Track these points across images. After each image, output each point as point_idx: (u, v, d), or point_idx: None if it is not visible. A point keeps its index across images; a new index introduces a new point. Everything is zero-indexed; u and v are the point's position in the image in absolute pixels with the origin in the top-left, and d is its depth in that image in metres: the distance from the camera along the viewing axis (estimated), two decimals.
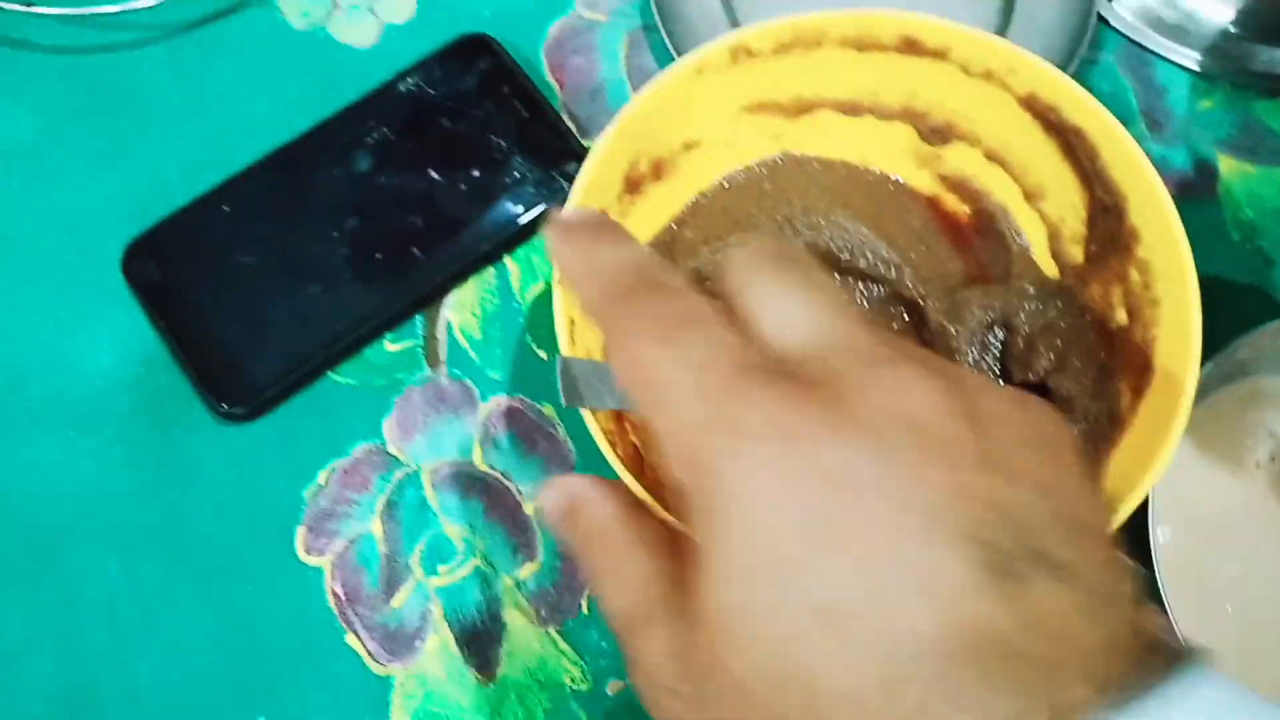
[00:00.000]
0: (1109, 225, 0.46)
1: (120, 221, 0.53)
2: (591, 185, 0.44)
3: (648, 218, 0.48)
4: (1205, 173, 0.55)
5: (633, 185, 0.47)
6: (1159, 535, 0.46)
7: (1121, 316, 0.46)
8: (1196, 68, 0.56)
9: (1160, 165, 0.53)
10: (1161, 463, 0.39)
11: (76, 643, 0.47)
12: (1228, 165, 0.55)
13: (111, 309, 0.52)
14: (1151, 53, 0.57)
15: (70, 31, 0.57)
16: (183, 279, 0.52)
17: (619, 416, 0.44)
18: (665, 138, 0.47)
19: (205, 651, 0.47)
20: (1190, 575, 0.46)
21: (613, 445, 0.40)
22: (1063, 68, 0.47)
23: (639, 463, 0.43)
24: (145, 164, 0.54)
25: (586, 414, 0.39)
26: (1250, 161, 0.55)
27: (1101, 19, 0.57)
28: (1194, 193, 0.54)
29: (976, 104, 0.48)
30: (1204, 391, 0.47)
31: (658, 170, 0.47)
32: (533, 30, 0.57)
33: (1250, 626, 0.46)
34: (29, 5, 0.55)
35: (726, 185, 0.50)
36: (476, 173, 0.54)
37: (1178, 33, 0.57)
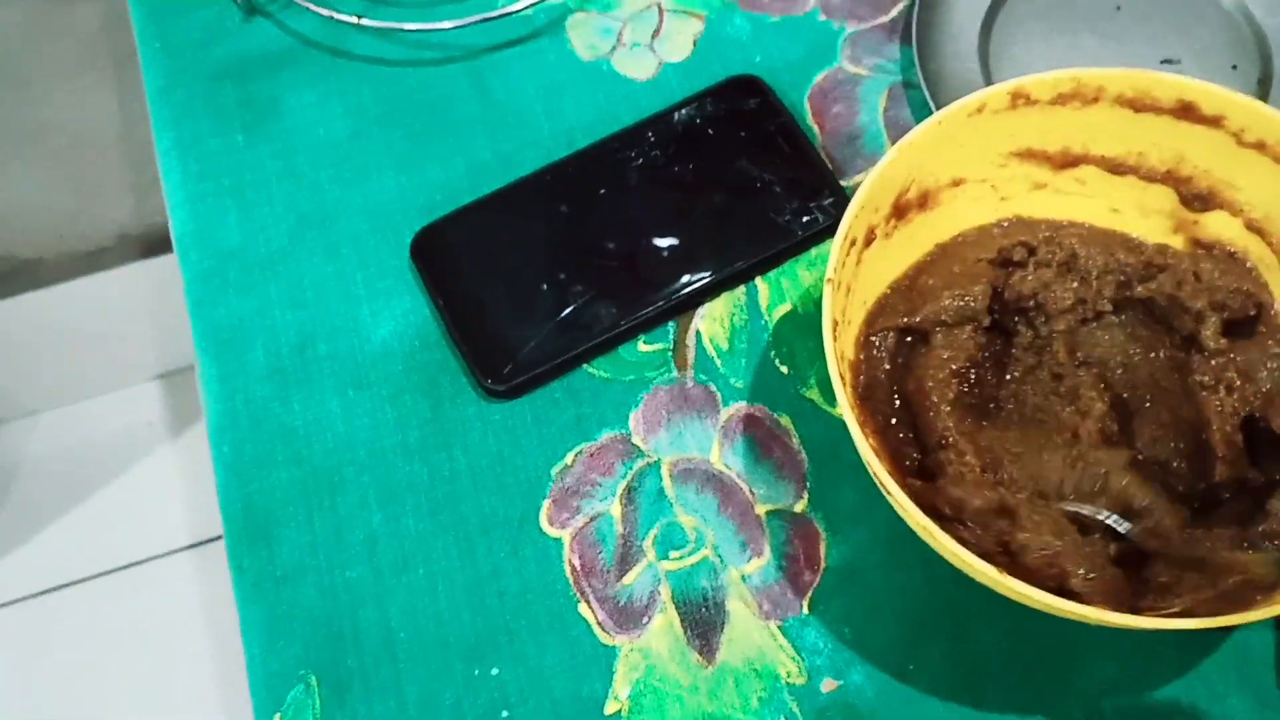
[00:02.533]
0: None
1: (413, 213, 0.59)
2: (868, 201, 0.47)
3: (904, 248, 0.51)
4: None
5: (900, 210, 0.50)
6: None
7: None
8: None
9: None
10: None
11: (339, 577, 0.52)
12: None
13: (397, 288, 0.57)
14: None
15: (385, 46, 0.64)
16: (462, 267, 0.57)
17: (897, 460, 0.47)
18: (936, 170, 0.50)
19: (452, 600, 0.51)
20: None
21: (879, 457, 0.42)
22: None
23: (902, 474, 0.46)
24: (439, 166, 0.60)
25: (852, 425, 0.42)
26: None
27: None
28: None
29: (1244, 173, 0.49)
30: None
31: (924, 200, 0.51)
32: (799, 78, 0.62)
33: None
34: (360, 17, 0.62)
35: (963, 240, 0.52)
36: (737, 198, 0.58)
37: None
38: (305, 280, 0.58)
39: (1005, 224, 0.52)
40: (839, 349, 0.46)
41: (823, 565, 0.51)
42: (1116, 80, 0.48)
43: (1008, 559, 0.44)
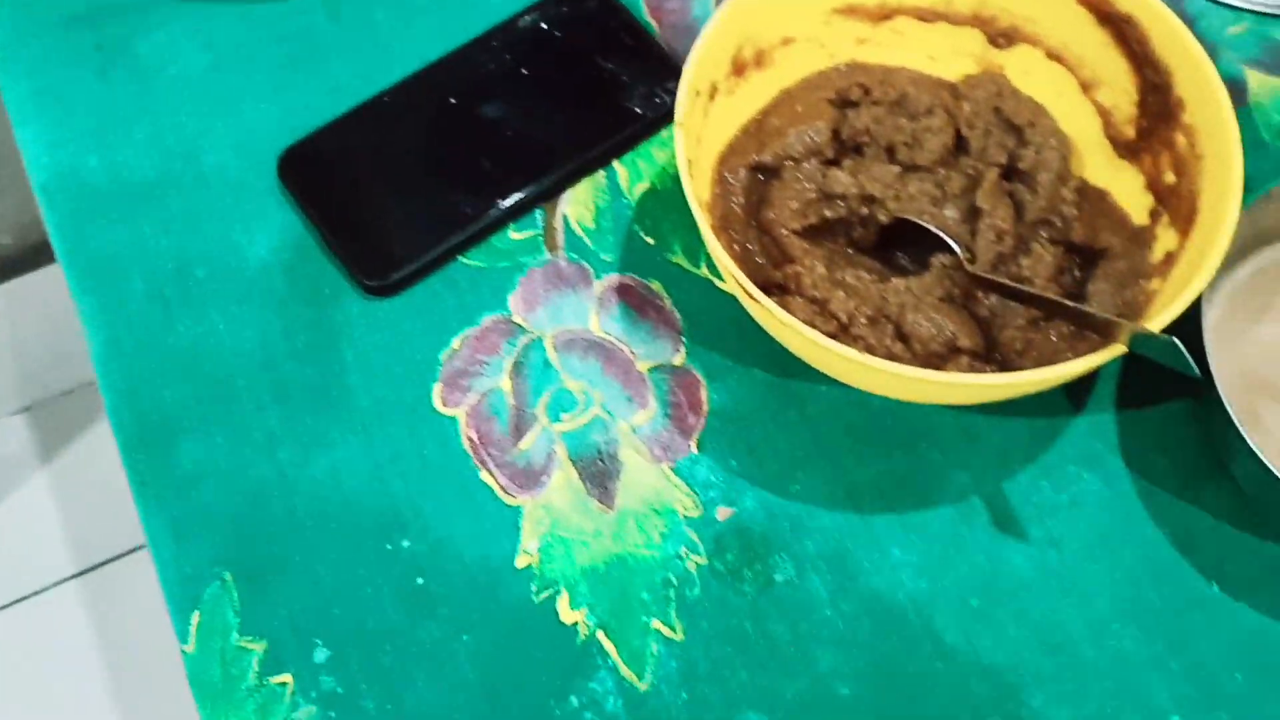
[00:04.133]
0: (1158, 101, 0.52)
1: (278, 138, 0.60)
2: (704, 58, 0.51)
3: (747, 101, 0.55)
4: (1237, 87, 0.61)
5: (739, 68, 0.54)
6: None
7: (1170, 178, 0.52)
8: (1228, 2, 0.63)
9: None
10: (1212, 263, 0.45)
11: (242, 478, 0.53)
12: (1256, 79, 0.61)
13: (269, 208, 0.59)
14: None
15: None
16: (331, 180, 0.59)
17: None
18: (767, 30, 0.54)
19: (356, 485, 0.53)
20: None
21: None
22: None
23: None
24: (299, 92, 0.62)
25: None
26: (1276, 75, 0.61)
27: None
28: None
29: (1038, 5, 0.54)
30: (1246, 250, 0.53)
31: (759, 59, 0.54)
32: None
33: None
34: None
35: (805, 84, 0.56)
36: (587, 91, 0.61)
37: None
38: (176, 210, 0.59)
39: (843, 68, 0.57)
40: (695, 189, 0.50)
41: (706, 409, 0.54)
42: None
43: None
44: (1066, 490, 0.52)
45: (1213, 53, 0.61)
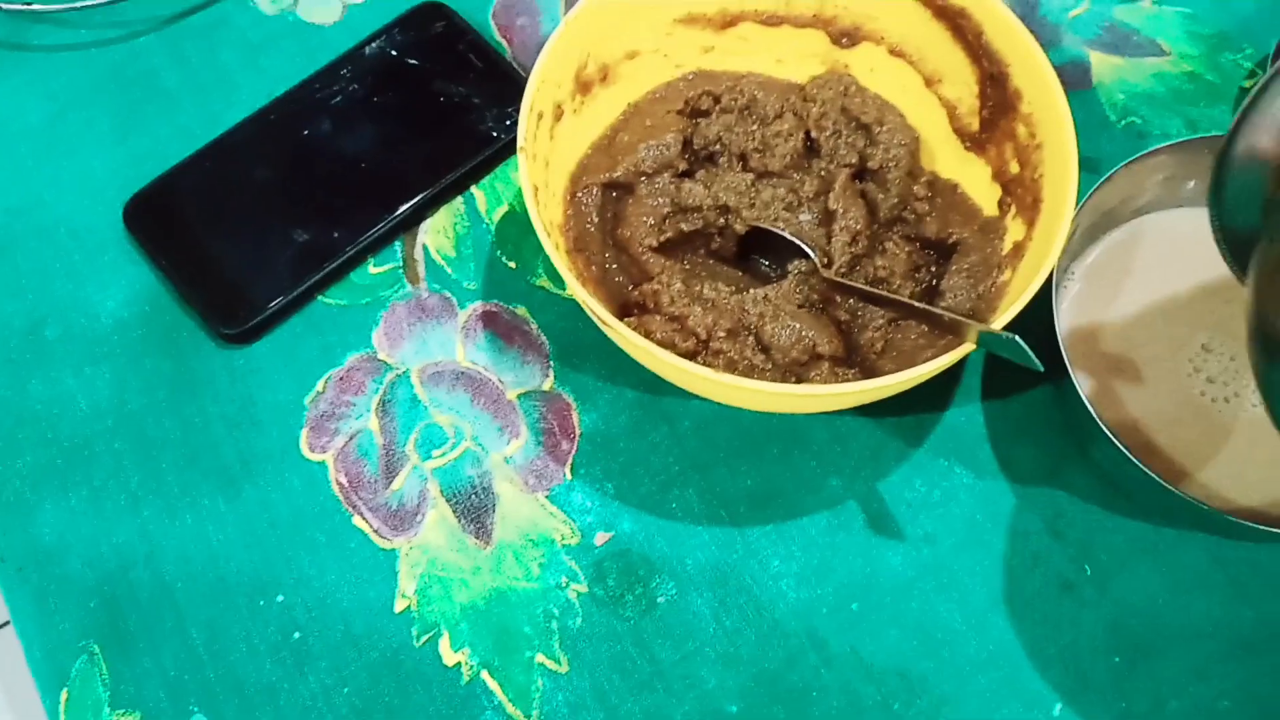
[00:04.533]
0: (997, 92, 0.53)
1: (124, 185, 0.58)
2: (546, 77, 0.50)
3: (595, 118, 0.55)
4: (1080, 69, 0.62)
5: (584, 86, 0.53)
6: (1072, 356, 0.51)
7: (1014, 168, 0.52)
8: None
9: None
10: (1054, 250, 0.46)
11: (105, 544, 0.51)
12: (1098, 60, 0.62)
13: (119, 259, 0.57)
14: None
15: (71, 31, 0.63)
16: (181, 226, 0.57)
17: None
18: (610, 45, 0.54)
19: (226, 542, 0.51)
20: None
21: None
22: None
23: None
24: (145, 137, 0.60)
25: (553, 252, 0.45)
26: (1118, 55, 0.62)
27: None
28: (1074, 86, 0.61)
29: (878, 3, 0.54)
30: (1096, 234, 0.54)
31: (604, 75, 0.54)
32: (480, 0, 0.64)
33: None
34: (28, 4, 0.61)
35: (653, 97, 0.56)
36: (439, 117, 0.60)
37: None
38: (22, 267, 0.57)
39: (690, 77, 0.56)
40: (546, 214, 0.49)
41: (578, 433, 0.54)
42: None
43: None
44: (938, 485, 0.52)
45: (1055, 36, 0.62)
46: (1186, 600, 0.50)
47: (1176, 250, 0.54)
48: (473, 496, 0.52)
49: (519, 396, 0.54)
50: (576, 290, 0.45)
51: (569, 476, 0.53)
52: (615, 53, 0.54)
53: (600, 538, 0.52)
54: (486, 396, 0.54)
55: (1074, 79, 0.62)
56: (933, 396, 0.54)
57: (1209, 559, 0.51)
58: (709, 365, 0.49)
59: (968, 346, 0.45)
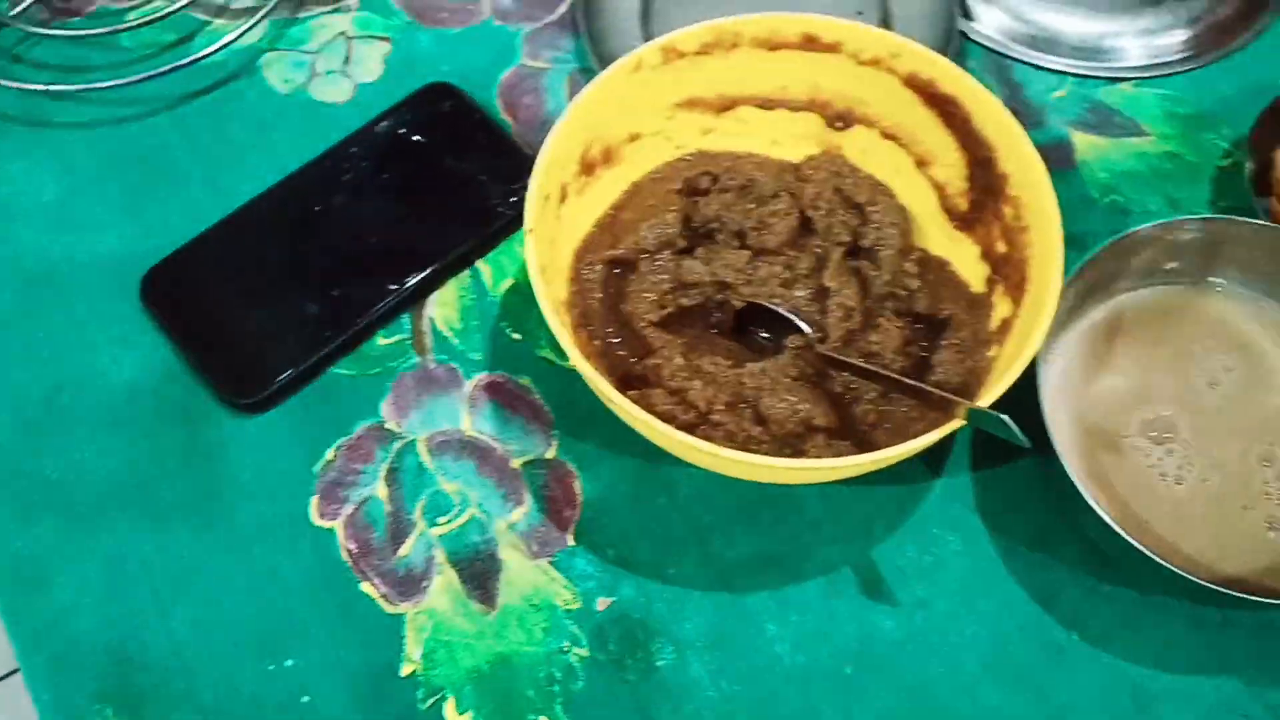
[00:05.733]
0: (984, 175, 0.55)
1: (139, 259, 0.60)
2: (552, 161, 0.52)
3: (599, 198, 0.57)
4: (1064, 148, 0.64)
5: (587, 167, 0.55)
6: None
7: (1002, 247, 0.54)
8: (1048, 66, 0.67)
9: None
10: (1041, 329, 0.48)
11: (118, 606, 0.53)
12: (1081, 140, 0.65)
13: (134, 330, 0.59)
14: (1010, 58, 0.67)
15: (86, 109, 0.65)
16: (195, 299, 0.59)
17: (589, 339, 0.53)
18: (614, 128, 0.56)
19: (236, 607, 0.53)
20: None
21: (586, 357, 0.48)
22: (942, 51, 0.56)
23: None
24: (159, 212, 0.62)
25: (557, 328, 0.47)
26: (1100, 135, 0.65)
27: (965, 35, 0.67)
28: (1058, 165, 0.64)
29: (870, 89, 0.57)
30: (1080, 310, 0.56)
31: (608, 156, 0.56)
32: (487, 79, 0.67)
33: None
34: (49, 84, 0.64)
35: (654, 176, 0.58)
36: (446, 193, 0.62)
37: (1032, 41, 0.68)
38: (40, 337, 0.59)
39: (690, 158, 0.59)
40: (552, 292, 0.51)
41: (580, 501, 0.55)
42: (749, 25, 0.55)
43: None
44: (930, 552, 0.54)
45: (1039, 117, 0.65)
46: (1174, 666, 0.51)
47: (1157, 326, 0.56)
48: (478, 562, 0.54)
49: (523, 465, 0.56)
50: (582, 367, 0.47)
51: (571, 543, 0.54)
52: (618, 135, 0.57)
53: (601, 603, 0.53)
54: (491, 465, 0.56)
55: (1058, 158, 0.64)
56: (925, 466, 0.56)
57: (1195, 625, 0.52)
58: (709, 437, 0.51)
59: (957, 422, 0.47)
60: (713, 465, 0.49)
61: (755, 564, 0.54)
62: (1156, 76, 0.67)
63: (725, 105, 0.59)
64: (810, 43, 0.56)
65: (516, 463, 0.56)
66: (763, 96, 0.59)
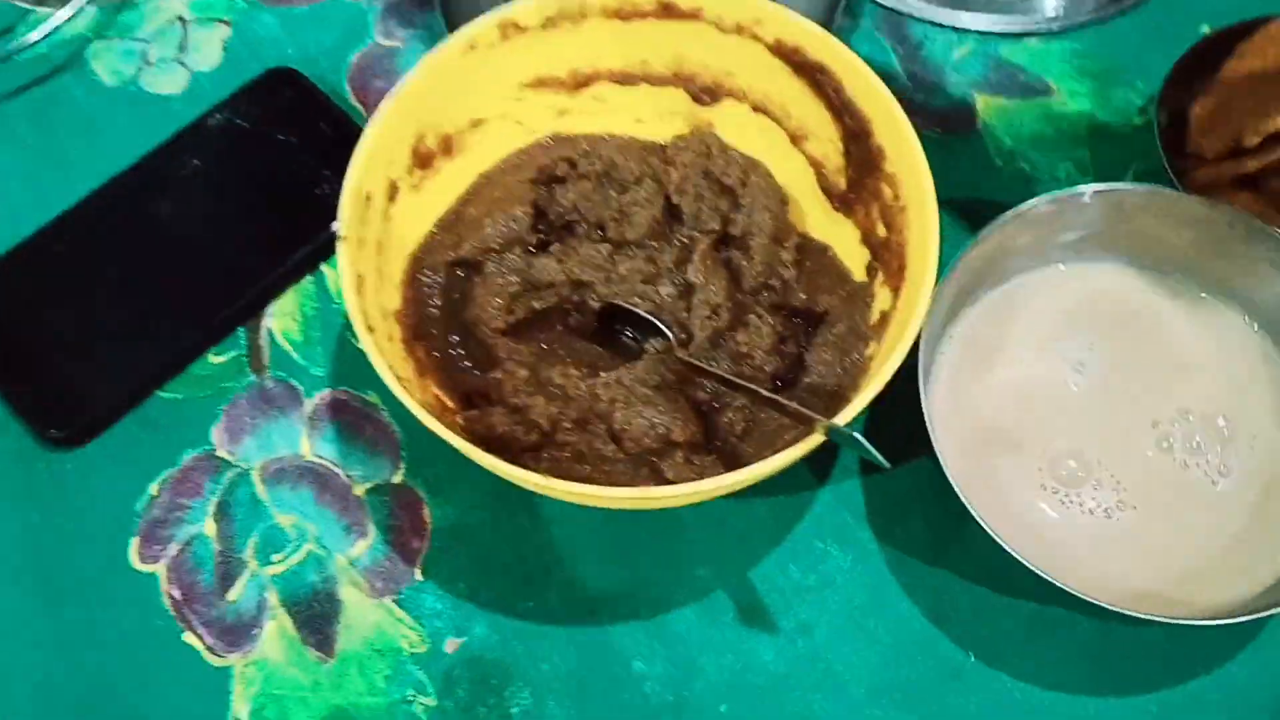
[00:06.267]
0: (860, 150, 0.50)
1: None
2: (372, 156, 0.47)
3: (439, 193, 0.51)
4: (965, 111, 0.59)
5: (422, 160, 0.50)
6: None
7: (881, 230, 0.49)
8: (947, 23, 0.61)
9: (923, 109, 0.58)
10: (915, 323, 0.43)
11: None
12: (984, 102, 0.59)
13: None
14: (905, 15, 0.61)
15: None
16: (4, 320, 0.53)
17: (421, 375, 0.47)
18: (451, 115, 0.50)
19: (47, 665, 0.47)
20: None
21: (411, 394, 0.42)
22: (824, 24, 0.50)
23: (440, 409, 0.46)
24: None
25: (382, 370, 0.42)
26: (1004, 96, 0.59)
27: None
28: (958, 130, 0.58)
29: (736, 59, 0.51)
30: (972, 295, 0.51)
31: (447, 146, 0.51)
32: (336, 62, 0.61)
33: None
34: None
35: (505, 166, 0.53)
36: (288, 189, 0.56)
37: None
38: None
39: (546, 143, 0.53)
40: (377, 302, 0.46)
41: (429, 529, 0.50)
42: None
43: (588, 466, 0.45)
44: (815, 570, 0.49)
45: (939, 78, 0.59)
46: (1075, 683, 0.47)
47: (1051, 310, 0.51)
48: (315, 604, 0.49)
49: (367, 492, 0.51)
50: (395, 390, 0.42)
51: (419, 577, 0.49)
52: (457, 122, 0.51)
53: (451, 644, 0.48)
54: (333, 493, 0.51)
55: (958, 122, 0.59)
56: (808, 473, 0.51)
57: (1096, 640, 0.47)
58: (555, 460, 0.46)
59: (817, 438, 0.42)
60: (551, 494, 0.43)
61: (622, 592, 0.49)
62: (1066, 29, 0.61)
63: (580, 83, 0.53)
64: (667, 11, 0.51)
65: (360, 489, 0.51)
66: (621, 71, 0.53)
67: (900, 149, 0.47)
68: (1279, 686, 0.47)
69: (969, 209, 0.55)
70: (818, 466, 0.51)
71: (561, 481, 0.41)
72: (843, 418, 0.41)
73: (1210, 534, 0.47)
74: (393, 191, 0.49)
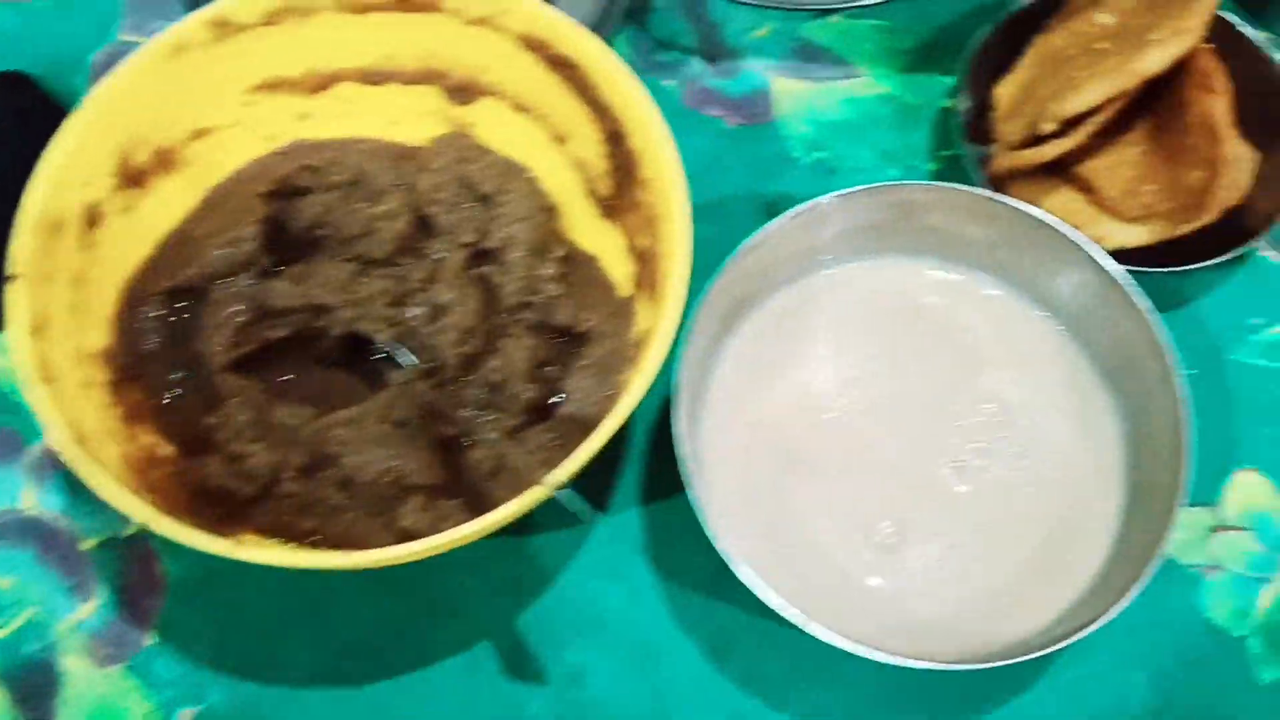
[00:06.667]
0: (621, 153, 0.45)
1: None
2: (61, 178, 0.41)
3: (158, 213, 0.46)
4: (760, 100, 0.55)
5: (133, 178, 0.45)
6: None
7: (644, 240, 0.45)
8: (749, 1, 0.57)
9: (719, 97, 0.54)
10: (664, 346, 0.39)
11: None
12: (783, 87, 0.55)
13: None
14: None
15: None
16: None
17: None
18: (164, 126, 0.45)
19: None
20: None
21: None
22: (604, 17, 0.46)
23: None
24: None
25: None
26: (805, 80, 0.55)
27: None
28: (753, 120, 0.54)
29: (487, 54, 0.47)
30: (746, 306, 0.47)
31: (165, 161, 0.45)
32: (74, 63, 0.55)
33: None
34: None
35: (239, 178, 0.48)
36: (13, 210, 0.51)
37: None
38: None
39: (286, 151, 0.48)
40: (76, 344, 0.41)
41: (164, 585, 0.45)
42: None
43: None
44: (589, 610, 0.45)
45: (739, 59, 0.55)
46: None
47: (839, 316, 0.47)
48: (32, 678, 0.44)
49: (96, 546, 0.46)
50: (65, 448, 0.37)
51: (152, 641, 0.45)
52: (175, 133, 0.46)
53: (184, 716, 0.43)
54: (56, 550, 0.46)
55: (753, 112, 0.55)
56: (585, 503, 0.46)
57: (889, 676, 0.44)
58: (277, 513, 0.41)
59: (540, 492, 0.38)
60: (251, 560, 0.39)
61: (379, 643, 0.45)
62: (872, 5, 0.57)
63: (319, 83, 0.48)
64: (402, 2, 0.46)
65: (87, 544, 0.46)
66: (366, 69, 0.48)
67: (654, 151, 0.43)
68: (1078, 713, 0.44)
69: (767, 206, 0.51)
70: (594, 496, 0.47)
71: (255, 548, 0.36)
72: (563, 470, 0.37)
73: (1012, 554, 0.44)
74: (94, 216, 0.43)
